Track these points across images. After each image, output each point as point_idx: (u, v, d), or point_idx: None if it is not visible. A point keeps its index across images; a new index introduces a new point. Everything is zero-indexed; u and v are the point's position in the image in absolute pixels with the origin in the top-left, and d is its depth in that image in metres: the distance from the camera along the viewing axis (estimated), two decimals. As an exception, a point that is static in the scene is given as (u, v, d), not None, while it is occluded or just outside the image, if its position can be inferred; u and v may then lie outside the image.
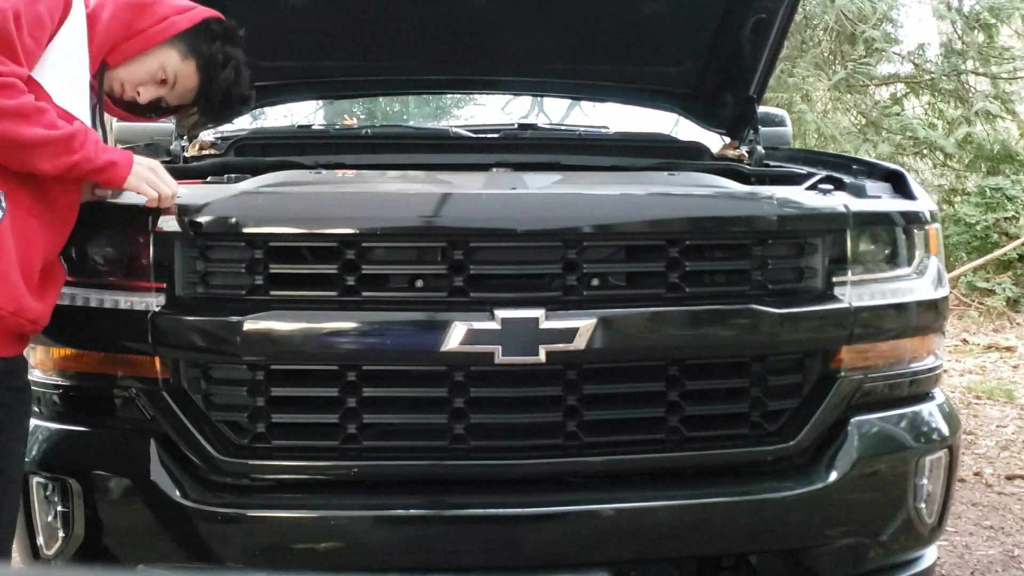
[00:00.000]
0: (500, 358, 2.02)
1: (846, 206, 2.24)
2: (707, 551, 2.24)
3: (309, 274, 2.10)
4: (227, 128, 3.34)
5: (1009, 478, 4.43)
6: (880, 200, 2.37)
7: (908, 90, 10.85)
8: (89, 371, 2.14)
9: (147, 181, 2.02)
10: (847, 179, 2.50)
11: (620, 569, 2.14)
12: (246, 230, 2.06)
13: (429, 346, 2.04)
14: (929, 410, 2.36)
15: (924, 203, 2.41)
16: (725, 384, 2.21)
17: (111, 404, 2.14)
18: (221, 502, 2.07)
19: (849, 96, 10.61)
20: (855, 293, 2.22)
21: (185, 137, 3.01)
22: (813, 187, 2.40)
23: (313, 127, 3.70)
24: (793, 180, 2.65)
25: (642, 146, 3.34)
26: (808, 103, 9.85)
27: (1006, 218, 9.44)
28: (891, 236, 2.32)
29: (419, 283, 2.11)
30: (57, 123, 1.89)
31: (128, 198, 2.14)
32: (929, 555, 2.41)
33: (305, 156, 2.97)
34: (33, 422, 2.11)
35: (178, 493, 2.06)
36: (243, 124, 3.53)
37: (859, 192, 2.37)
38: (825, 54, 10.37)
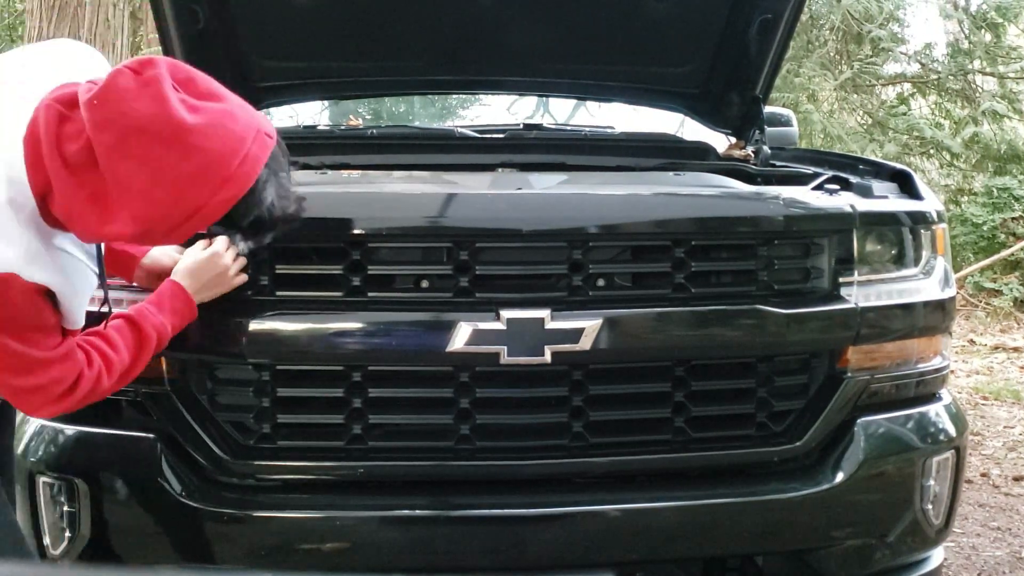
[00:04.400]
0: (505, 358, 2.02)
1: (852, 206, 2.24)
2: (713, 552, 2.24)
3: (315, 274, 2.10)
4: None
5: (1016, 479, 4.42)
6: (887, 200, 2.37)
7: (915, 90, 10.84)
8: (95, 371, 2.14)
9: (215, 286, 1.97)
10: (853, 179, 2.49)
11: (626, 570, 2.14)
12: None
13: (434, 346, 2.03)
14: (936, 411, 2.36)
15: (931, 203, 2.40)
16: (731, 385, 2.21)
17: (117, 404, 2.14)
18: (227, 502, 2.07)
19: (855, 96, 10.60)
20: (861, 293, 2.22)
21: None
22: (819, 187, 2.40)
23: (318, 127, 3.70)
24: (799, 180, 2.65)
25: (648, 146, 3.33)
26: (814, 103, 9.84)
27: (1013, 218, 9.40)
28: (898, 236, 2.32)
29: (424, 283, 2.10)
30: (114, 362, 1.79)
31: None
32: (936, 556, 2.40)
33: (311, 156, 2.97)
34: (40, 422, 2.12)
35: (184, 493, 2.06)
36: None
37: (865, 192, 2.36)
38: (831, 54, 10.36)
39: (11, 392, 1.72)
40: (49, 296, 1.64)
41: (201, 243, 1.99)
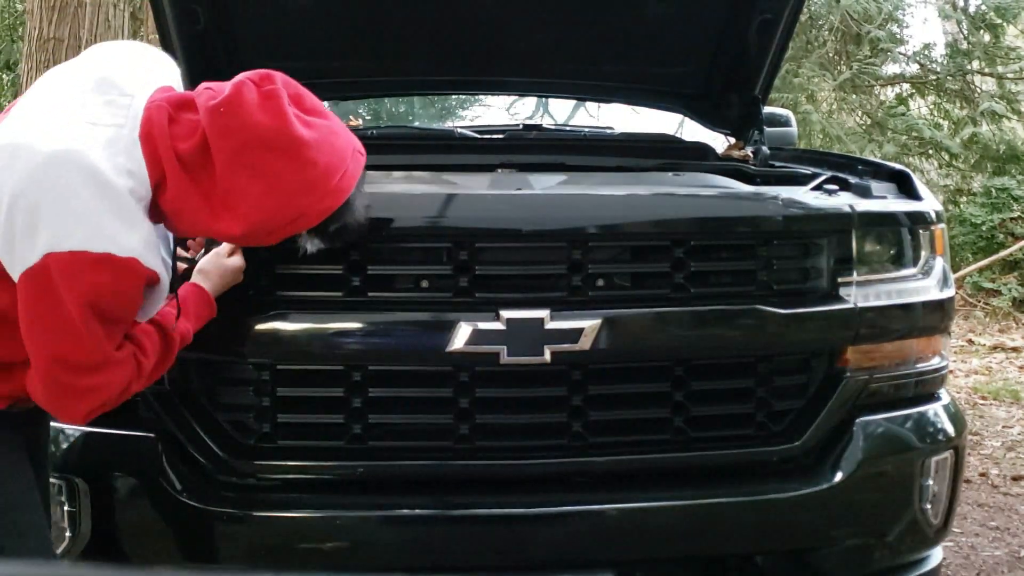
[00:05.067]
0: (505, 358, 2.02)
1: (851, 207, 2.24)
2: (712, 551, 2.24)
3: (315, 274, 2.10)
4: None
5: (1015, 479, 4.42)
6: (885, 200, 2.37)
7: (913, 90, 10.85)
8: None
9: (228, 282, 2.00)
10: (852, 179, 2.50)
11: (625, 569, 2.14)
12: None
13: (434, 346, 2.04)
14: (935, 411, 2.36)
15: (929, 203, 2.40)
16: (730, 384, 2.21)
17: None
18: (227, 502, 2.08)
19: (854, 96, 10.61)
20: (860, 293, 2.22)
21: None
22: (818, 188, 2.40)
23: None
24: (798, 181, 2.65)
25: (647, 147, 3.34)
26: (813, 103, 9.86)
27: (1012, 218, 9.42)
28: (896, 236, 2.32)
29: (424, 284, 2.11)
30: (145, 368, 1.76)
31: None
32: (935, 556, 2.40)
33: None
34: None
35: (184, 493, 2.06)
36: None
37: (864, 192, 2.36)
38: (830, 54, 10.37)
39: (63, 392, 1.68)
40: (147, 287, 1.68)
41: (226, 245, 2.02)
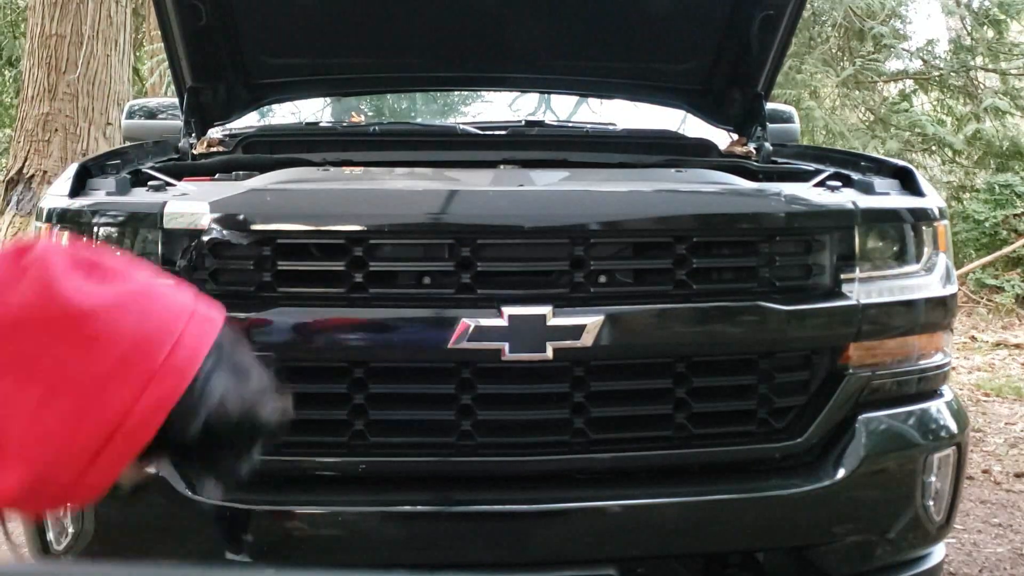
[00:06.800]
0: (507, 355, 2.02)
1: (854, 203, 2.24)
2: (714, 548, 2.24)
3: (317, 271, 2.10)
4: (235, 125, 3.36)
5: (1018, 475, 4.42)
6: (888, 197, 2.37)
7: (916, 86, 10.84)
8: (98, 367, 2.14)
9: None
10: (855, 176, 2.49)
11: (627, 566, 2.14)
12: (254, 227, 2.07)
13: (436, 343, 2.04)
14: (937, 407, 2.36)
15: (932, 200, 2.40)
16: (732, 381, 2.21)
17: (120, 400, 2.14)
18: (229, 497, 2.07)
19: (857, 92, 10.60)
20: (863, 290, 2.22)
21: (194, 134, 3.02)
22: (821, 184, 2.40)
23: (321, 124, 3.70)
24: (801, 177, 2.65)
25: (649, 143, 3.33)
26: (816, 99, 9.84)
27: (1015, 215, 9.41)
28: (899, 233, 2.32)
29: (426, 280, 2.11)
30: None
31: (135, 196, 2.16)
32: (937, 553, 2.40)
33: (313, 153, 2.97)
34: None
35: (187, 489, 2.06)
36: (251, 121, 3.54)
37: (867, 189, 2.36)
38: (833, 50, 10.37)
39: None
40: None
41: None
